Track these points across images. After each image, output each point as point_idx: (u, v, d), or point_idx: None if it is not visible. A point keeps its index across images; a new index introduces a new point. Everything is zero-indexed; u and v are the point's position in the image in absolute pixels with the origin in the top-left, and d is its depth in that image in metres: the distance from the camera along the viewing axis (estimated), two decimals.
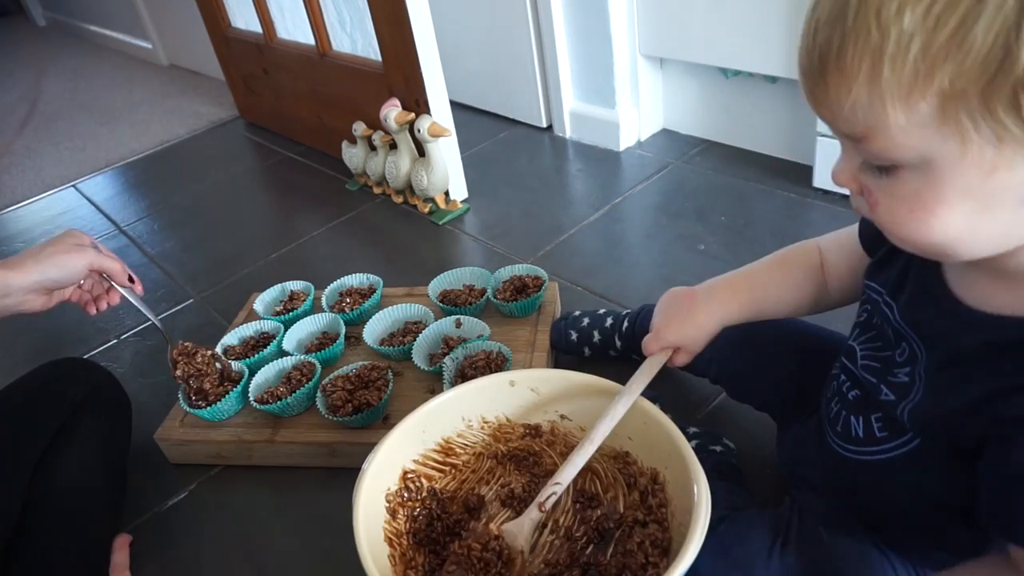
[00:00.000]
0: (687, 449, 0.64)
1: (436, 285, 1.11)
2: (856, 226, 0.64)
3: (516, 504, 0.75)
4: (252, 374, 0.99)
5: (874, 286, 0.59)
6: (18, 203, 1.99)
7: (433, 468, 0.77)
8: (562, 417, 0.78)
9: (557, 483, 0.67)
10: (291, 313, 1.12)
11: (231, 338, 1.09)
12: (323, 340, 1.08)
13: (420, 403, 0.75)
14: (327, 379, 0.96)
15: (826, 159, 1.28)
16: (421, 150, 1.44)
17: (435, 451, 0.77)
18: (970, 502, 0.53)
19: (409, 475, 0.74)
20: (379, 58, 1.46)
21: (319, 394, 0.95)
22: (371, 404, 0.91)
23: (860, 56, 0.38)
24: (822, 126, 1.26)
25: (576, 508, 0.73)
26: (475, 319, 1.02)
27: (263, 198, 1.82)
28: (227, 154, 2.05)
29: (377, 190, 1.63)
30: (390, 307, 1.08)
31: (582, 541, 0.70)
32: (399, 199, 1.57)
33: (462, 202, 1.51)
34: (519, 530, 0.68)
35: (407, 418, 0.73)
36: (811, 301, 0.71)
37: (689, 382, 0.96)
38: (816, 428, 0.68)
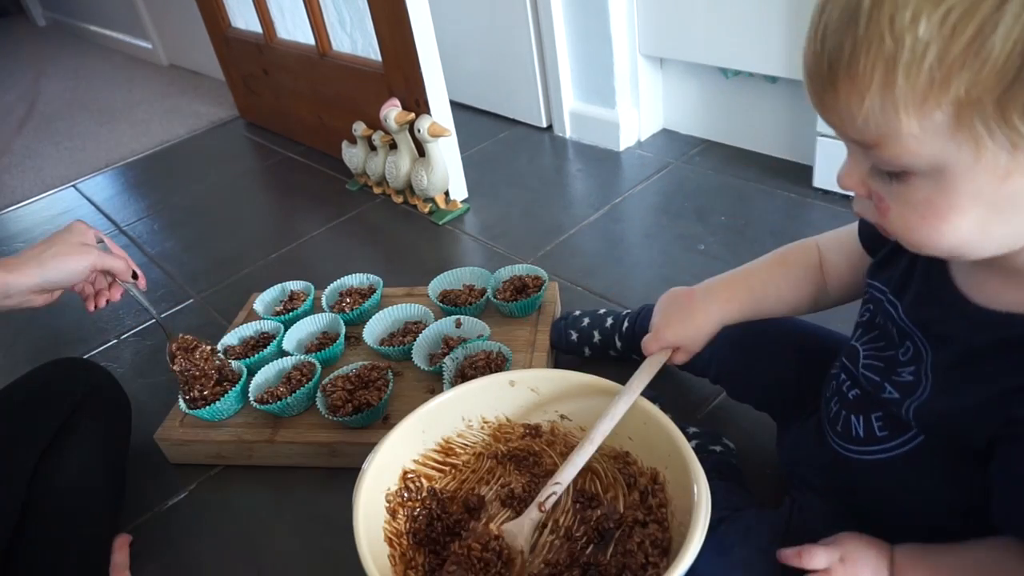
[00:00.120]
0: (687, 449, 0.64)
1: (436, 285, 1.11)
2: (855, 225, 0.64)
3: (516, 504, 0.75)
4: (252, 374, 0.99)
5: (877, 285, 0.59)
6: (18, 203, 1.99)
7: (433, 468, 0.77)
8: (562, 417, 0.78)
9: (557, 483, 0.67)
10: (291, 313, 1.12)
11: (231, 338, 1.09)
12: (323, 340, 1.08)
13: (420, 403, 0.75)
14: (327, 379, 0.96)
15: (826, 159, 1.28)
16: (421, 150, 1.44)
17: (435, 451, 0.77)
18: (971, 502, 0.53)
19: (409, 475, 0.74)
20: (379, 58, 1.46)
21: (319, 394, 0.95)
22: (371, 404, 0.91)
23: (873, 64, 0.38)
24: (822, 126, 1.26)
25: (576, 508, 0.73)
26: (475, 319, 1.02)
27: (263, 198, 1.82)
28: (227, 154, 2.05)
29: (377, 190, 1.63)
30: (390, 307, 1.08)
31: (582, 541, 0.70)
32: (399, 199, 1.57)
33: (462, 202, 1.51)
34: (519, 530, 0.68)
35: (407, 418, 0.73)
36: (810, 300, 0.71)
37: (689, 382, 0.96)
38: (816, 428, 0.68)
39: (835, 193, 1.30)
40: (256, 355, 1.04)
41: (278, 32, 1.82)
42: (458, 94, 1.89)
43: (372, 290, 1.14)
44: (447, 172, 1.42)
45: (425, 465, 0.76)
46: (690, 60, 1.47)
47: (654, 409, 0.69)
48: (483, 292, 1.09)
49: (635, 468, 0.72)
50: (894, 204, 0.43)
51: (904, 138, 0.39)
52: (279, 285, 1.18)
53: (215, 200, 1.79)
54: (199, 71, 2.73)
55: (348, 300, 1.13)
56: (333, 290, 1.16)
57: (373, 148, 1.56)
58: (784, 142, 1.43)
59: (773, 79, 1.38)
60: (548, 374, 0.78)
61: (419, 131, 1.35)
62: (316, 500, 0.92)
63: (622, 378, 0.71)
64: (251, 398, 0.96)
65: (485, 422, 0.78)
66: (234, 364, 1.00)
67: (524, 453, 0.79)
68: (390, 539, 0.69)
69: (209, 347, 0.98)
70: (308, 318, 1.10)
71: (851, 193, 0.47)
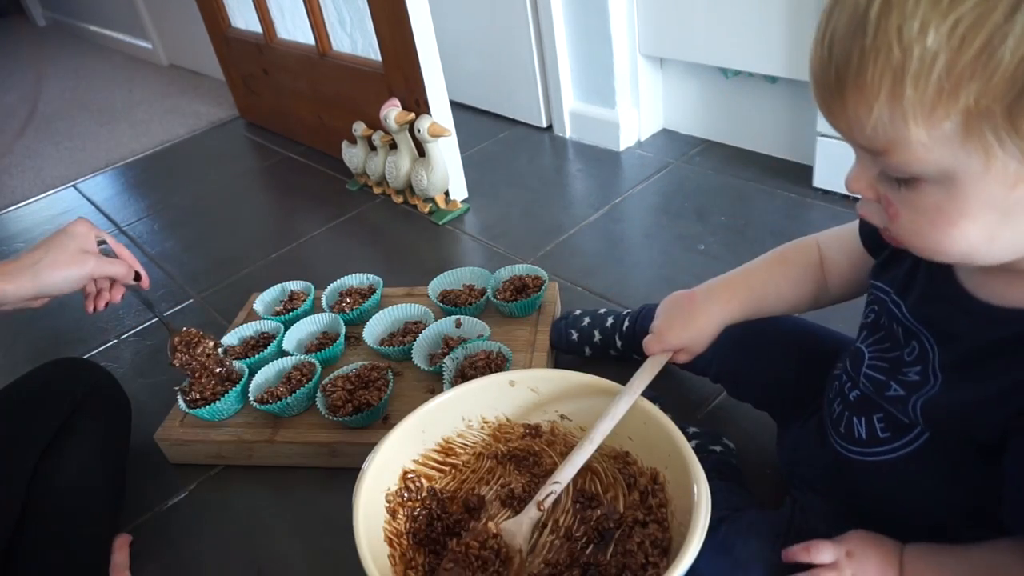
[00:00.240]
0: (687, 449, 0.64)
1: (436, 285, 1.11)
2: (856, 222, 0.64)
3: (516, 504, 0.75)
4: (252, 374, 0.99)
5: (880, 285, 0.59)
6: (18, 203, 1.99)
7: (433, 468, 0.77)
8: (562, 417, 0.78)
9: (556, 482, 0.67)
10: (291, 313, 1.12)
11: (231, 338, 1.09)
12: (323, 340, 1.08)
13: (420, 403, 0.75)
14: (327, 379, 0.96)
15: (826, 159, 1.28)
16: (421, 150, 1.44)
17: (435, 451, 0.77)
18: (972, 502, 0.53)
19: (409, 475, 0.74)
20: (379, 58, 1.46)
21: (319, 394, 0.95)
22: (371, 404, 0.91)
23: (881, 74, 0.38)
24: (822, 126, 1.26)
25: (576, 508, 0.73)
26: (475, 319, 1.02)
27: (263, 198, 1.82)
28: (227, 154, 2.05)
29: (377, 190, 1.63)
30: (390, 307, 1.08)
31: (582, 541, 0.70)
32: (399, 199, 1.57)
33: (462, 202, 1.51)
34: (517, 529, 0.68)
35: (407, 418, 0.73)
36: (811, 298, 0.71)
37: (689, 382, 0.96)
38: (816, 429, 0.68)
39: (835, 193, 1.30)
40: (256, 355, 1.04)
41: (278, 32, 1.82)
42: (458, 94, 1.89)
43: (372, 290, 1.14)
44: (447, 172, 1.42)
45: (425, 465, 0.76)
46: (690, 60, 1.47)
47: (654, 409, 0.69)
48: (483, 292, 1.09)
49: (635, 468, 0.72)
50: (903, 210, 0.43)
51: (913, 146, 0.39)
52: (279, 285, 1.18)
53: (215, 200, 1.79)
54: (199, 71, 2.73)
55: (348, 300, 1.13)
56: (333, 290, 1.16)
57: (373, 148, 1.56)
58: (784, 142, 1.43)
59: (773, 79, 1.38)
60: (548, 374, 0.78)
61: (419, 131, 1.35)
62: (316, 500, 0.92)
63: (622, 378, 0.71)
64: (251, 398, 0.96)
65: (485, 422, 0.78)
66: (235, 364, 1.00)
67: (524, 453, 0.79)
68: (390, 539, 0.69)
69: (212, 343, 0.98)
70: (308, 318, 1.10)
71: (856, 195, 0.47)
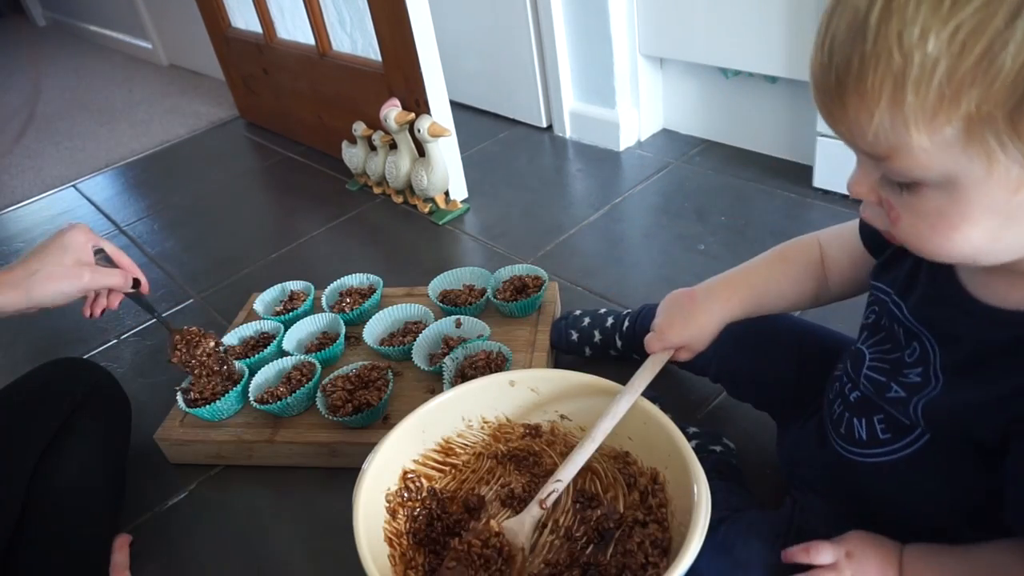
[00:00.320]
0: (687, 449, 0.64)
1: (436, 285, 1.11)
2: (856, 221, 0.64)
3: (516, 504, 0.75)
4: (252, 374, 0.99)
5: (881, 286, 0.59)
6: (18, 203, 1.99)
7: (433, 468, 0.77)
8: (562, 417, 0.78)
9: (558, 480, 0.67)
10: (291, 313, 1.12)
11: (231, 338, 1.09)
12: (323, 340, 1.08)
13: (420, 403, 0.75)
14: (327, 379, 0.96)
15: (826, 159, 1.28)
16: (421, 150, 1.44)
17: (435, 451, 0.77)
18: (972, 503, 0.53)
19: (409, 475, 0.74)
20: (379, 58, 1.46)
21: (319, 394, 0.95)
22: (371, 404, 0.91)
23: (881, 80, 0.37)
24: (822, 126, 1.26)
25: (576, 508, 0.73)
26: (475, 319, 1.02)
27: (263, 198, 1.82)
28: (227, 154, 2.05)
29: (377, 190, 1.63)
30: (390, 307, 1.08)
31: (582, 541, 0.70)
32: (399, 199, 1.57)
33: (462, 202, 1.51)
34: (519, 527, 0.68)
35: (407, 418, 0.73)
36: (812, 295, 0.71)
37: (689, 382, 0.96)
38: (816, 430, 0.68)
39: (835, 193, 1.30)
40: (256, 355, 1.04)
41: (278, 32, 1.82)
42: (458, 94, 1.89)
43: (372, 290, 1.14)
44: (447, 172, 1.42)
45: (425, 465, 0.76)
46: (690, 60, 1.47)
47: (654, 409, 0.69)
48: (483, 292, 1.09)
49: (635, 468, 0.72)
50: (905, 213, 0.43)
51: (915, 152, 0.39)
52: (279, 285, 1.18)
53: (215, 200, 1.79)
54: (199, 71, 2.73)
55: (348, 300, 1.13)
56: (333, 290, 1.16)
57: (373, 148, 1.56)
58: (784, 142, 1.43)
59: (773, 79, 1.38)
60: (548, 374, 0.78)
61: (419, 131, 1.35)
62: (316, 500, 0.92)
63: (623, 378, 0.71)
64: (251, 398, 0.96)
65: (485, 422, 0.78)
66: (236, 364, 1.00)
67: (524, 453, 0.79)
68: (390, 539, 0.69)
69: (214, 342, 0.98)
70: (308, 318, 1.10)
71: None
